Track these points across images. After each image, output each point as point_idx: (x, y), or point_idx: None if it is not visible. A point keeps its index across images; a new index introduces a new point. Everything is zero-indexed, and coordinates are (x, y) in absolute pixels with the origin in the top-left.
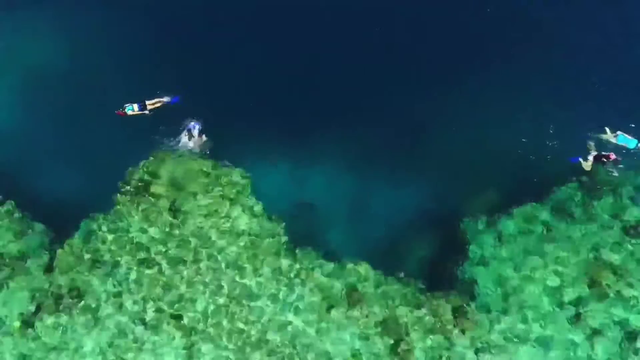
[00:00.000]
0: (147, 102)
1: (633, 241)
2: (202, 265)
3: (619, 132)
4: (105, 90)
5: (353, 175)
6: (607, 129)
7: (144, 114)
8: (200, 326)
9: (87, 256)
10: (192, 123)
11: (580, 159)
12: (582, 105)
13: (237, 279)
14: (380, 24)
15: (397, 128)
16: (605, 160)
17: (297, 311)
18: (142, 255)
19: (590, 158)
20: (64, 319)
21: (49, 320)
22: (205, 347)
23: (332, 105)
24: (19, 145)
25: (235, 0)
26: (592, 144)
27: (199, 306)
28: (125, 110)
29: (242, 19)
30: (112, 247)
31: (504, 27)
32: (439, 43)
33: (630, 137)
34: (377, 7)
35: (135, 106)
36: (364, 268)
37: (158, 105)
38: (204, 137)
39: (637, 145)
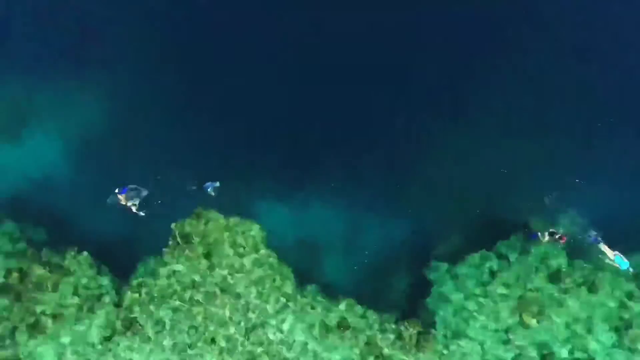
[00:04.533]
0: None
1: (552, 285)
2: (227, 303)
3: (616, 252)
4: (149, 147)
5: (345, 213)
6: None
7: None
8: (230, 346)
9: (145, 295)
10: (209, 183)
11: (539, 234)
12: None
13: (255, 312)
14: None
15: (385, 167)
16: (558, 238)
17: (301, 335)
18: (187, 293)
19: (547, 235)
20: (132, 342)
21: (121, 343)
22: None
23: (325, 149)
24: (80, 200)
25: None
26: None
27: (228, 332)
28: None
29: (236, 56)
30: (164, 286)
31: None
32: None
33: (624, 260)
34: (372, 38)
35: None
36: (351, 303)
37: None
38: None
39: (627, 267)
